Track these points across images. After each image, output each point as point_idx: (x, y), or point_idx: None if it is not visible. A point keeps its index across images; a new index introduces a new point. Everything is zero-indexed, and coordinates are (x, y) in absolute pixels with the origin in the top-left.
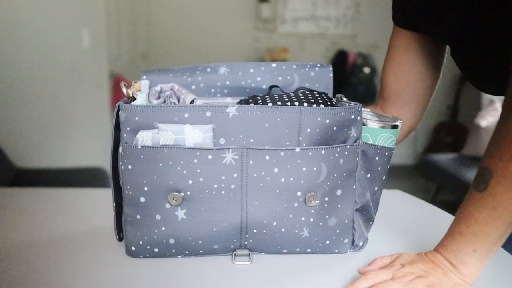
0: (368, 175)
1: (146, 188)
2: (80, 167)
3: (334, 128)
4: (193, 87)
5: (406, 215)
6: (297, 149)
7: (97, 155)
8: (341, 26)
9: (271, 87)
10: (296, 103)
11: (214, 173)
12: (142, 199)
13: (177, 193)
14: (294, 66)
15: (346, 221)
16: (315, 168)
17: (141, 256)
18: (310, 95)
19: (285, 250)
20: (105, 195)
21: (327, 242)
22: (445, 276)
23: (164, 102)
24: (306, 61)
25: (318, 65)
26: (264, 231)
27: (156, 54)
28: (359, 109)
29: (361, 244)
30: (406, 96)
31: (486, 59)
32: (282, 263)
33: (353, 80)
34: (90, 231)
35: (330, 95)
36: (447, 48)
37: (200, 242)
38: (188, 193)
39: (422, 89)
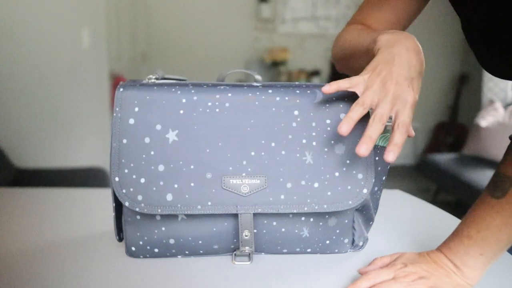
0: None
1: None
2: (80, 167)
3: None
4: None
5: (406, 215)
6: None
7: (97, 155)
8: (341, 26)
9: None
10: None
11: None
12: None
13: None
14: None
15: (346, 221)
16: None
17: (141, 256)
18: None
19: (285, 250)
20: (105, 195)
21: (327, 242)
22: (448, 277)
23: None
24: (306, 61)
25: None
26: (264, 231)
27: (156, 54)
28: None
29: (361, 244)
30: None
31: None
32: (282, 263)
33: None
34: (90, 231)
35: None
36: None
37: (200, 242)
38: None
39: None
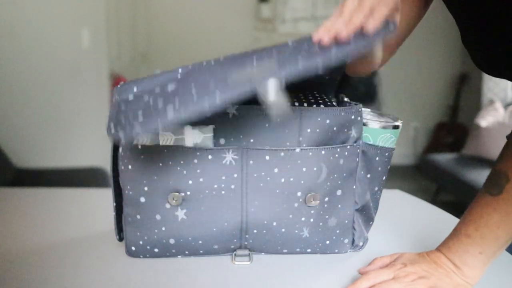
0: (368, 175)
1: (146, 188)
2: (80, 167)
3: (334, 128)
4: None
5: (406, 215)
6: (297, 150)
7: (97, 155)
8: None
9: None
10: (296, 104)
11: (214, 173)
12: (142, 199)
13: (177, 193)
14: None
15: (346, 221)
16: (315, 169)
17: (141, 256)
18: (310, 95)
19: (285, 250)
20: (105, 195)
21: (327, 242)
22: (447, 277)
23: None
24: None
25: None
26: (264, 231)
27: (156, 54)
28: (360, 110)
29: (361, 244)
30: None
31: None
32: (282, 263)
33: (353, 80)
34: (90, 231)
35: None
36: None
37: (200, 242)
38: (188, 193)
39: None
